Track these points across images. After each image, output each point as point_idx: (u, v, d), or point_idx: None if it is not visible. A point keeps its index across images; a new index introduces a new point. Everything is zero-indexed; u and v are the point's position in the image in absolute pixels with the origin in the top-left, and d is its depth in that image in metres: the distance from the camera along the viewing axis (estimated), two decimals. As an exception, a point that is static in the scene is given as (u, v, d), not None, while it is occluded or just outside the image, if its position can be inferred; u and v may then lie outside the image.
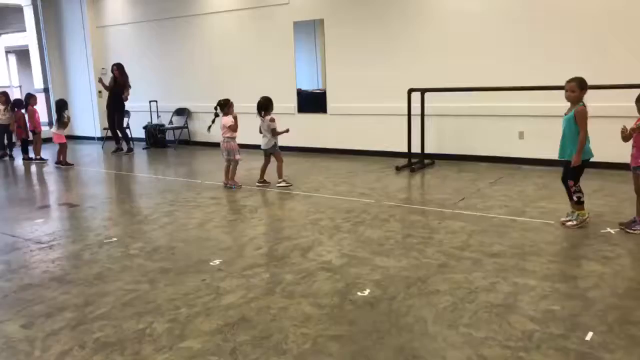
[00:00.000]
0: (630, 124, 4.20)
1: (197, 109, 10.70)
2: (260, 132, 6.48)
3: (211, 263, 3.94)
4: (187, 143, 10.81)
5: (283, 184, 6.38)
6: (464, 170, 7.13)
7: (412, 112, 7.38)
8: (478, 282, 3.41)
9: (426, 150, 7.63)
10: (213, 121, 6.61)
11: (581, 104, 4.37)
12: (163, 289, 3.51)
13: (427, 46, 7.81)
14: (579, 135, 4.34)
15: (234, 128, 6.42)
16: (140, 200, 6.27)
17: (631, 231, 4.26)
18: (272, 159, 6.59)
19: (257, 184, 6.55)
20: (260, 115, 6.40)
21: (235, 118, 6.45)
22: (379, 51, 8.25)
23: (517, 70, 7.05)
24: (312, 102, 9.38)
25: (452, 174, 6.92)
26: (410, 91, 7.34)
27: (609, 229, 4.37)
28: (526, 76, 6.84)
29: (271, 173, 6.60)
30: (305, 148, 9.27)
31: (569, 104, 4.46)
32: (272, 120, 6.37)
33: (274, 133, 6.38)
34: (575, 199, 4.47)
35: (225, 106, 6.52)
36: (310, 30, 9.10)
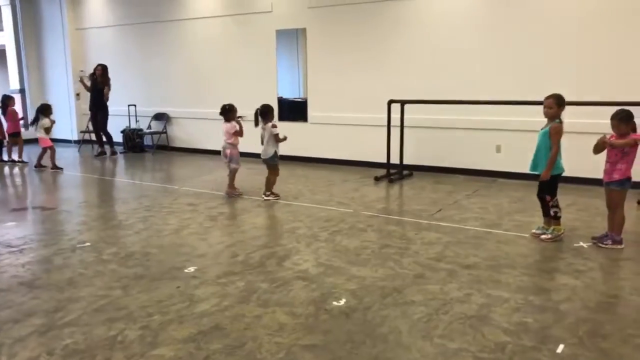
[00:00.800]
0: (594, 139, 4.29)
1: (176, 114, 10.61)
2: (262, 142, 6.20)
3: (186, 270, 3.90)
4: (165, 148, 10.70)
5: (271, 197, 6.16)
6: (442, 182, 7.20)
7: (392, 123, 7.43)
8: (453, 293, 3.43)
9: (405, 162, 7.68)
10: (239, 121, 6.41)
11: (558, 120, 4.45)
12: (136, 295, 3.45)
13: (408, 58, 7.88)
14: (550, 151, 4.42)
15: (239, 134, 6.33)
16: (115, 205, 6.18)
17: (603, 245, 4.34)
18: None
19: (263, 196, 6.23)
20: (262, 123, 6.14)
21: (240, 125, 6.35)
22: (360, 62, 8.30)
23: (496, 84, 7.15)
24: (293, 111, 9.37)
25: (429, 186, 6.98)
26: (390, 102, 7.39)
27: (581, 243, 4.45)
28: (505, 90, 6.95)
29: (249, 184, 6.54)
30: (285, 156, 9.16)
31: (546, 120, 4.54)
32: (274, 126, 6.13)
33: (277, 139, 6.13)
34: (552, 213, 4.54)
35: (229, 112, 6.37)
36: (292, 38, 9.12)
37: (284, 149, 8.64)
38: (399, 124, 7.48)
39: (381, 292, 3.46)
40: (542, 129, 4.55)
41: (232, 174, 6.42)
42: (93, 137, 10.72)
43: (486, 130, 7.42)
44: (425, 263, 4.01)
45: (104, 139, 10.13)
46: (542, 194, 4.60)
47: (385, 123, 7.44)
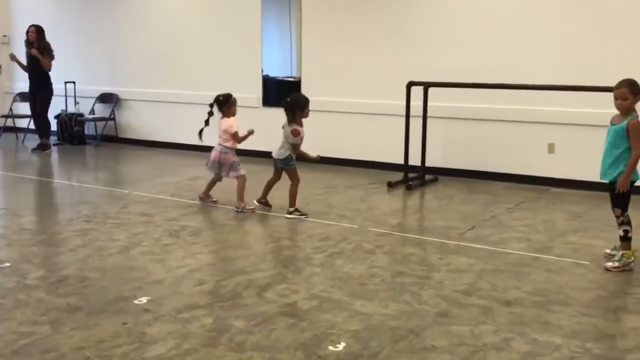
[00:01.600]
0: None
1: (128, 96, 10.62)
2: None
3: (136, 301, 3.89)
4: (114, 140, 10.69)
5: (296, 214, 5.94)
6: (476, 190, 7.21)
7: (412, 113, 7.45)
8: (487, 337, 3.43)
9: (428, 163, 7.69)
10: (207, 122, 6.31)
11: (635, 114, 4.47)
12: (69, 333, 3.44)
13: (435, 28, 7.89)
14: (629, 153, 4.45)
15: (237, 138, 6.25)
16: (45, 214, 6.16)
17: (686, 278, 4.35)
18: (284, 175, 6.24)
19: (256, 202, 6.25)
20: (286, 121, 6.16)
21: (237, 136, 6.28)
22: (371, 33, 8.31)
23: (552, 63, 7.16)
24: (282, 94, 9.32)
25: (459, 195, 6.98)
26: (410, 85, 7.41)
27: (658, 274, 4.46)
28: (564, 72, 6.95)
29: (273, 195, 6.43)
30: (268, 153, 9.23)
31: (615, 111, 4.56)
32: (296, 132, 6.04)
33: (294, 149, 6.11)
34: (622, 233, 4.56)
35: (225, 103, 6.27)
36: (284, 2, 9.15)
37: (268, 144, 8.66)
38: (420, 113, 7.49)
39: (393, 334, 3.46)
40: (612, 124, 4.57)
41: (241, 183, 6.24)
42: (20, 123, 10.72)
43: (536, 123, 7.44)
44: (452, 297, 4.01)
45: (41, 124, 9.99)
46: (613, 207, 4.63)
47: (404, 112, 7.46)
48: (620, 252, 4.56)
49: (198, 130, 6.33)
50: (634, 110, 4.48)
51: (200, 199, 6.43)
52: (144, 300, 3.91)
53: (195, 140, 8.85)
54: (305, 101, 6.18)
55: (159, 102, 10.23)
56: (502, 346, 3.33)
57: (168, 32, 10.02)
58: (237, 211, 6.12)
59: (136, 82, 10.45)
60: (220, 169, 6.27)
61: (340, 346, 3.31)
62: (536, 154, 7.47)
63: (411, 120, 7.46)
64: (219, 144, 6.27)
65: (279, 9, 9.31)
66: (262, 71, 9.35)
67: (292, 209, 5.97)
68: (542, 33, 7.25)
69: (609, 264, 4.54)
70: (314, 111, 8.87)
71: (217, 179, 6.42)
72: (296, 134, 6.01)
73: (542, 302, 3.95)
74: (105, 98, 10.77)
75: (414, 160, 7.58)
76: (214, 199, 6.46)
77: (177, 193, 6.94)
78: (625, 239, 4.56)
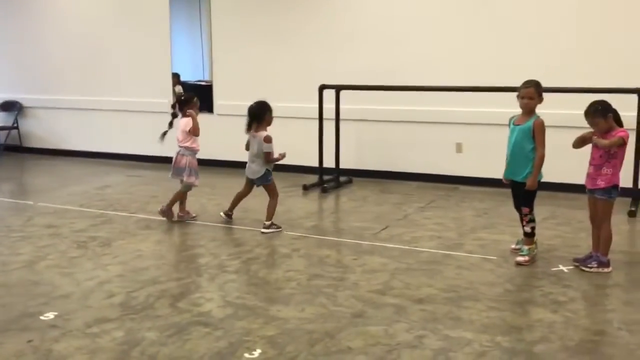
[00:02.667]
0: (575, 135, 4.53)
1: (33, 103, 10.22)
2: (247, 149, 5.91)
3: (42, 317, 3.75)
4: (17, 150, 10.28)
5: (273, 228, 5.64)
6: (389, 190, 7.32)
7: (325, 116, 7.49)
8: (401, 336, 3.48)
9: (342, 165, 7.76)
10: (170, 125, 6.05)
11: (537, 115, 4.66)
12: (-32, 355, 3.26)
13: (346, 32, 7.97)
14: (535, 152, 4.61)
15: (194, 131, 5.89)
16: (-58, 229, 5.84)
17: (587, 269, 4.55)
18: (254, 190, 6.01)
19: (223, 214, 5.96)
20: (250, 129, 5.83)
21: (193, 118, 5.91)
22: (283, 35, 8.31)
23: (459, 65, 7.35)
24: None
25: (373, 196, 7.08)
26: (322, 88, 7.45)
27: (561, 267, 4.64)
28: (471, 74, 7.15)
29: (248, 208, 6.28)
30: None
31: (515, 111, 4.72)
32: (268, 139, 5.73)
33: (268, 158, 5.74)
34: (528, 229, 4.73)
35: (186, 103, 5.97)
36: (194, 4, 9.03)
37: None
38: (333, 116, 7.54)
39: (309, 338, 3.46)
40: (516, 124, 4.73)
41: (186, 190, 6.00)
42: None
43: (444, 124, 7.63)
44: (367, 297, 4.05)
45: None
46: (520, 205, 4.80)
47: (316, 115, 7.49)
48: (527, 247, 4.73)
49: (161, 133, 6.07)
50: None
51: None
52: (50, 315, 3.77)
53: (102, 148, 8.63)
54: (268, 110, 5.91)
55: (66, 110, 9.90)
56: (416, 344, 3.38)
57: (74, 37, 9.70)
58: (180, 219, 5.94)
59: (41, 88, 10.06)
60: (177, 172, 5.96)
61: (256, 353, 3.28)
62: (445, 153, 7.66)
63: (324, 123, 7.51)
64: (179, 145, 5.94)
65: (190, 10, 9.19)
66: (175, 76, 9.19)
67: (268, 223, 5.65)
68: (449, 36, 7.45)
69: (520, 259, 4.70)
70: (226, 115, 8.86)
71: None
72: (269, 140, 5.75)
73: (453, 299, 4.04)
74: (8, 106, 10.34)
75: (329, 162, 7.63)
76: (194, 215, 6.11)
77: (85, 203, 6.73)
78: (531, 235, 4.74)
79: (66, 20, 9.73)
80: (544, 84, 5.71)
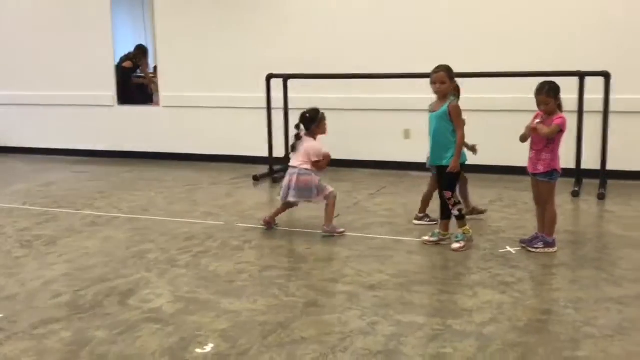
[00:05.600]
0: (522, 119, 4.60)
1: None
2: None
3: (-15, 321, 3.64)
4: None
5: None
6: (340, 179, 7.35)
7: (273, 105, 7.47)
8: (354, 323, 3.50)
9: (292, 155, 7.75)
10: (293, 148, 5.37)
11: (453, 97, 4.74)
12: None
13: (292, 20, 7.96)
14: (455, 136, 4.70)
15: (319, 166, 5.27)
16: None
17: (533, 249, 4.66)
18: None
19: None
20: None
21: (327, 157, 5.34)
22: (228, 23, 8.25)
23: (404, 53, 7.42)
24: (138, 91, 9.14)
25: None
26: (269, 77, 7.43)
27: (508, 248, 4.75)
28: (414, 61, 7.20)
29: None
30: (127, 153, 8.99)
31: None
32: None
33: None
34: (456, 212, 4.80)
35: (314, 122, 5.28)
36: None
37: (124, 144, 8.39)
38: (282, 105, 7.53)
39: (262, 329, 3.45)
40: (433, 112, 4.82)
41: (332, 203, 5.31)
42: None
43: (393, 111, 7.70)
44: (320, 286, 4.06)
45: None
46: (442, 191, 4.86)
47: (265, 104, 7.46)
48: (461, 230, 4.81)
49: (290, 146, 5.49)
50: (452, 94, 4.77)
51: (267, 223, 5.43)
52: (-6, 318, 3.67)
53: (46, 144, 8.41)
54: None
55: (7, 105, 9.63)
56: (368, 330, 3.41)
57: (15, 33, 9.42)
58: (325, 235, 5.23)
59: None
60: (299, 193, 5.23)
61: (208, 347, 3.25)
62: (394, 140, 7.73)
63: (273, 112, 7.49)
64: (297, 167, 5.23)
65: (131, 2, 9.04)
66: (115, 65, 9.03)
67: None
68: (396, 23, 7.51)
69: (456, 245, 4.75)
70: (172, 107, 8.77)
71: (291, 205, 5.48)
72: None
73: (404, 284, 4.09)
74: (-58, 102, 9.98)
75: (279, 152, 7.62)
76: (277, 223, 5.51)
77: (29, 201, 6.57)
78: (461, 217, 4.81)
79: (6, 16, 9.44)
80: (487, 69, 5.84)
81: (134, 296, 3.97)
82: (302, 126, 5.32)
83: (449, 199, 4.79)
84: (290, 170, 5.28)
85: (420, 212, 5.54)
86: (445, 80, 4.69)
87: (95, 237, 5.31)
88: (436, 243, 4.87)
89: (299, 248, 4.91)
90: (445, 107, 4.70)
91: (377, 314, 3.62)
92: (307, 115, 5.33)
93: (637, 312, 3.60)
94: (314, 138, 5.31)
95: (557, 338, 3.31)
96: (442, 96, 4.76)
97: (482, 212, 5.57)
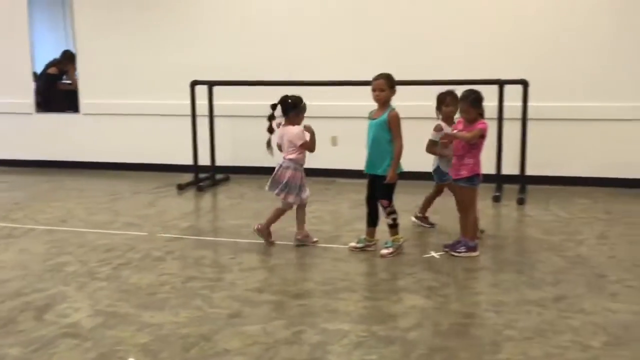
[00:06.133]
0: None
1: None
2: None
3: None
4: None
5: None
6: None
7: (198, 112, 7.38)
8: (279, 333, 3.47)
9: (218, 163, 7.68)
10: (270, 129, 5.20)
11: (393, 106, 4.76)
12: None
13: (218, 27, 7.89)
14: (393, 145, 4.72)
15: (308, 147, 5.10)
16: None
17: (456, 254, 4.75)
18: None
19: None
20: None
21: (311, 133, 5.10)
22: (152, 32, 8.12)
23: (330, 60, 7.46)
24: (58, 97, 8.87)
25: (251, 193, 7.05)
26: (194, 84, 7.33)
27: (432, 253, 4.82)
28: (341, 69, 7.26)
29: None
30: (47, 162, 8.69)
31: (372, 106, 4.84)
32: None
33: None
34: (390, 221, 4.83)
35: (294, 108, 5.09)
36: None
37: (43, 152, 8.11)
38: (207, 112, 7.44)
39: (184, 342, 3.38)
40: (372, 119, 4.83)
41: (302, 208, 5.17)
42: None
43: (319, 118, 7.65)
44: (244, 297, 4.02)
45: None
46: (375, 199, 4.88)
47: (189, 112, 7.36)
48: (392, 238, 4.84)
49: (266, 142, 5.32)
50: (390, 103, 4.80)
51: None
52: None
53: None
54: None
55: None
56: (294, 340, 3.38)
57: None
58: (303, 244, 5.11)
59: None
60: (286, 188, 5.06)
61: (129, 362, 3.17)
62: (321, 146, 7.71)
63: (198, 119, 7.39)
64: (284, 157, 5.14)
65: (52, 6, 8.79)
66: (33, 68, 8.75)
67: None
68: (322, 31, 7.55)
69: (384, 251, 4.79)
70: (94, 115, 8.54)
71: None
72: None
73: (330, 292, 4.08)
74: None
75: (204, 160, 7.53)
76: (313, 238, 5.21)
77: (-62, 213, 6.25)
78: (394, 226, 4.85)
79: None
80: (416, 78, 5.92)
81: (50, 311, 3.83)
82: (278, 109, 5.14)
83: (386, 207, 4.81)
84: (284, 163, 5.12)
85: (419, 212, 5.59)
86: (385, 88, 4.70)
87: (10, 249, 5.10)
88: (362, 249, 4.89)
89: (223, 258, 4.85)
90: (385, 115, 4.72)
91: (302, 322, 3.60)
92: (290, 100, 5.11)
93: (555, 314, 3.71)
94: (293, 126, 5.08)
95: (479, 341, 3.37)
96: (381, 104, 4.76)
97: (430, 224, 5.57)
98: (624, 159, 7.04)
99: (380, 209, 4.86)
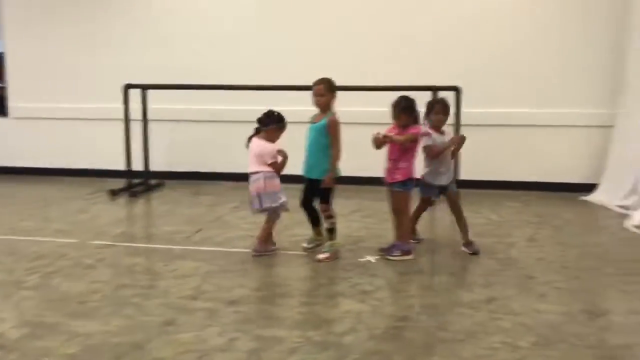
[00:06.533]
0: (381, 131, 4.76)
1: None
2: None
3: None
4: None
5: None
6: (202, 192, 7.25)
7: (132, 117, 7.25)
8: (212, 340, 3.43)
9: (152, 168, 7.56)
10: (249, 140, 5.06)
11: (332, 112, 4.78)
12: None
13: (153, 30, 7.79)
14: (331, 150, 4.74)
15: (277, 169, 4.90)
16: None
17: (391, 257, 4.80)
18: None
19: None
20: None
21: (284, 157, 4.92)
22: (84, 32, 7.95)
23: (266, 65, 7.45)
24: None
25: (185, 199, 6.96)
26: (127, 87, 7.20)
27: (368, 257, 4.86)
28: (276, 74, 7.26)
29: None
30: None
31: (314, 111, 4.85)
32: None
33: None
34: (328, 226, 4.86)
35: (277, 122, 4.96)
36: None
37: None
38: (141, 117, 7.32)
39: (115, 351, 3.30)
40: (313, 123, 4.85)
41: (274, 217, 5.02)
42: None
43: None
44: (178, 304, 3.95)
45: None
46: (310, 203, 4.92)
47: (122, 116, 7.23)
48: (329, 243, 4.87)
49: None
50: (331, 108, 4.81)
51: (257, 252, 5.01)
52: None
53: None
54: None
55: None
56: (227, 347, 3.35)
57: None
58: (261, 254, 4.95)
59: None
60: (261, 199, 4.91)
61: (56, 374, 3.07)
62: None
63: (132, 124, 7.26)
64: (253, 170, 4.99)
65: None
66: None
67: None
68: (257, 36, 7.54)
69: (321, 256, 4.81)
70: (23, 119, 8.29)
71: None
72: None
73: (266, 297, 4.07)
74: None
75: (138, 165, 7.39)
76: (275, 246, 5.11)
77: None
78: (332, 231, 4.87)
79: None
80: (350, 83, 5.97)
81: (-28, 323, 3.68)
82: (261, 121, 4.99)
83: (324, 211, 4.84)
84: (252, 178, 4.96)
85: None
86: (324, 93, 4.72)
87: None
88: (313, 249, 4.94)
89: (156, 265, 4.77)
90: (324, 120, 4.74)
91: (237, 329, 3.57)
92: (275, 113, 5.03)
93: (486, 315, 3.79)
94: (270, 141, 4.98)
95: (412, 344, 3.40)
96: (322, 109, 4.78)
97: (417, 240, 5.36)
98: (552, 163, 7.27)
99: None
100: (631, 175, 6.37)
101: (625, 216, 6.06)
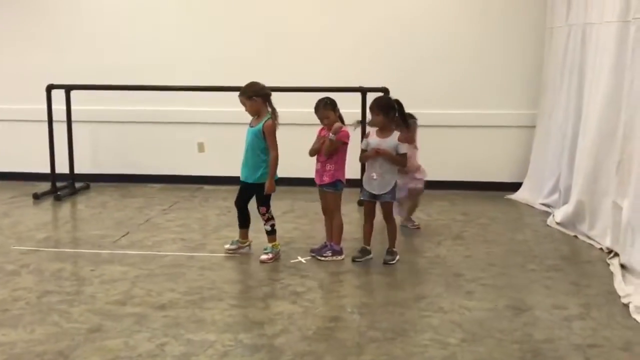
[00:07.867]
0: (309, 132, 4.80)
1: None
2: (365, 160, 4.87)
3: None
4: None
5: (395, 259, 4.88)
6: (130, 194, 7.10)
7: (55, 118, 7.04)
8: (142, 346, 3.37)
9: (77, 170, 7.34)
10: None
11: (268, 116, 4.77)
12: None
13: (77, 29, 7.57)
14: (269, 154, 4.75)
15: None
16: None
17: (322, 258, 4.83)
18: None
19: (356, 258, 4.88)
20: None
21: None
22: (5, 31, 7.66)
23: (195, 66, 7.35)
24: None
25: (113, 202, 6.81)
26: (50, 88, 6.98)
27: (299, 258, 4.87)
28: (206, 74, 7.16)
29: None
30: None
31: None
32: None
33: (397, 161, 4.76)
34: (269, 227, 4.87)
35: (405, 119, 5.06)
36: None
37: None
38: (64, 118, 7.12)
39: (39, 360, 3.21)
40: (251, 127, 4.84)
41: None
42: None
43: (186, 124, 7.59)
44: (105, 310, 3.88)
45: None
46: (245, 204, 4.93)
47: (45, 117, 7.00)
48: (271, 245, 4.87)
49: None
50: (268, 112, 4.79)
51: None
52: None
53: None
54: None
55: None
56: (157, 352, 3.30)
57: None
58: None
59: None
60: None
61: (-25, 386, 2.96)
62: (187, 153, 7.62)
63: (55, 125, 7.04)
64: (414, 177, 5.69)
65: None
66: None
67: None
68: (185, 36, 7.43)
69: (264, 257, 4.81)
70: None
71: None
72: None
73: (196, 301, 4.03)
74: None
75: (62, 168, 7.17)
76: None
77: None
78: (272, 232, 4.89)
79: None
80: (282, 84, 5.99)
81: None
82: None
83: (264, 214, 4.84)
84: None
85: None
86: (244, 102, 4.77)
87: None
88: (235, 251, 4.95)
89: (82, 270, 4.65)
90: (260, 124, 4.74)
91: (167, 334, 3.53)
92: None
93: (416, 313, 3.87)
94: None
95: (344, 344, 3.44)
96: (254, 115, 4.81)
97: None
98: (480, 163, 7.43)
99: (255, 212, 4.92)
100: (552, 174, 6.59)
101: (547, 214, 6.28)
